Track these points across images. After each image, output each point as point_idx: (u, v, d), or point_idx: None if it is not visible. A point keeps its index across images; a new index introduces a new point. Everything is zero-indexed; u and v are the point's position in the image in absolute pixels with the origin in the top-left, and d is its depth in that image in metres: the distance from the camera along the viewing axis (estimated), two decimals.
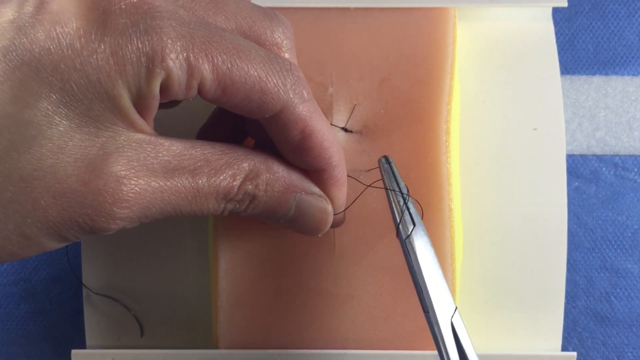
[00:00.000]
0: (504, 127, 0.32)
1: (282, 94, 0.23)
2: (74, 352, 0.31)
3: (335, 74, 0.31)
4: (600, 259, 0.36)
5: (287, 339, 0.30)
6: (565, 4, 0.32)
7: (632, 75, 0.37)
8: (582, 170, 0.36)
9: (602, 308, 0.36)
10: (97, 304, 0.32)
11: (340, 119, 0.31)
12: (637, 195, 0.36)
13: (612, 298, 0.36)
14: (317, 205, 0.26)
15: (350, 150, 0.31)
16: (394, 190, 0.27)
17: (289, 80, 0.23)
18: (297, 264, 0.30)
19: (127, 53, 0.20)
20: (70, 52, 0.20)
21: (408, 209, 0.26)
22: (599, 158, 0.36)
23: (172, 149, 0.22)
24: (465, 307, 0.32)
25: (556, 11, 0.36)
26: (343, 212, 0.28)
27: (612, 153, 0.36)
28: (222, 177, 0.23)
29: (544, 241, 0.32)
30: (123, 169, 0.21)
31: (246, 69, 0.22)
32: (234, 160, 0.23)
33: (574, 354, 0.31)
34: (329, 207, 0.26)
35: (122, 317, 0.32)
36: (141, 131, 0.21)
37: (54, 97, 0.20)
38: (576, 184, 0.36)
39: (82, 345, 0.32)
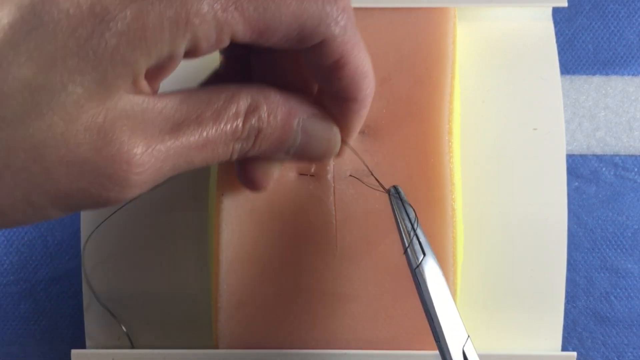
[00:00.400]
0: (504, 127, 0.32)
1: (323, 27, 0.22)
2: (74, 352, 0.31)
3: None
4: (600, 259, 0.36)
5: (287, 339, 0.30)
6: (565, 4, 0.32)
7: (632, 75, 0.37)
8: (582, 170, 0.36)
9: (602, 308, 0.36)
10: (97, 304, 0.32)
11: None
12: (637, 195, 0.36)
13: (612, 298, 0.36)
14: (322, 126, 0.25)
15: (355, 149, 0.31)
16: (404, 220, 0.27)
17: (329, 10, 0.22)
18: (298, 264, 0.30)
19: (151, 18, 0.19)
20: (90, 16, 0.19)
21: (418, 239, 0.26)
22: (599, 158, 0.36)
23: (173, 103, 0.21)
24: (465, 307, 0.32)
25: (556, 11, 0.36)
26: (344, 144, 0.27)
27: (612, 153, 0.36)
28: (225, 118, 0.22)
29: (544, 241, 0.32)
30: (133, 133, 0.20)
31: (281, 10, 0.21)
32: (231, 97, 0.22)
33: (574, 354, 0.31)
34: (335, 127, 0.26)
35: (122, 317, 0.32)
36: (146, 93, 0.21)
37: (70, 62, 0.19)
38: (576, 184, 0.36)
39: (82, 345, 0.32)
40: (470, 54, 0.33)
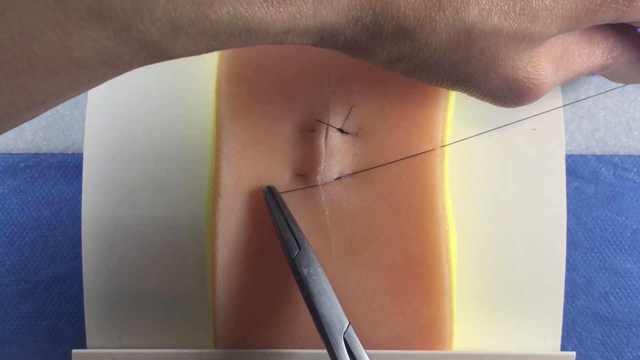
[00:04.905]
0: (503, 127, 0.32)
1: None
2: (74, 352, 0.31)
3: (332, 74, 0.31)
4: (600, 259, 0.36)
5: (286, 339, 0.30)
6: None
7: None
8: (581, 171, 0.36)
9: (602, 308, 0.36)
10: (98, 304, 0.32)
11: (337, 119, 0.31)
12: (637, 195, 0.36)
13: (612, 298, 0.36)
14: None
15: (345, 152, 0.31)
16: (279, 217, 0.29)
17: None
18: None
19: None
20: None
21: (293, 234, 0.28)
22: (599, 158, 0.36)
23: (570, 38, 0.25)
24: (464, 307, 0.32)
25: None
26: None
27: (611, 153, 0.36)
28: (595, 58, 0.26)
29: (544, 241, 0.32)
30: (547, 62, 0.25)
31: None
32: (602, 39, 0.26)
33: (573, 353, 0.31)
34: None
35: (123, 317, 0.32)
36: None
37: None
38: (575, 184, 0.36)
39: (83, 345, 0.32)
40: None
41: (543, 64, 0.24)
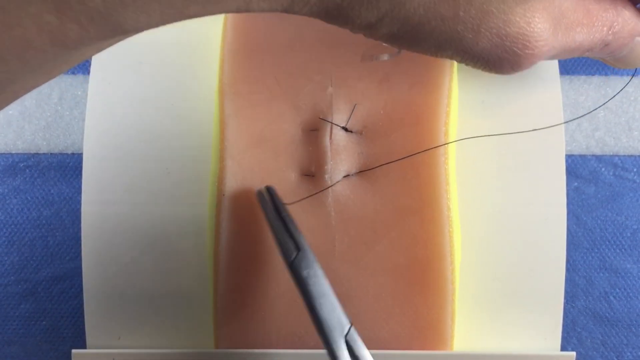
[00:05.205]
0: (503, 127, 0.32)
1: None
2: (74, 352, 0.31)
3: (334, 74, 0.31)
4: (600, 259, 0.36)
5: (287, 339, 0.30)
6: None
7: (631, 75, 0.37)
8: (581, 171, 0.36)
9: (602, 308, 0.36)
10: (98, 304, 0.32)
11: (341, 118, 0.31)
12: (637, 195, 0.36)
13: (612, 298, 0.36)
14: None
15: (350, 150, 0.31)
16: (274, 219, 0.28)
17: None
18: None
19: None
20: None
21: (292, 236, 0.27)
22: (599, 158, 0.36)
23: (572, 4, 0.24)
24: (465, 307, 0.32)
25: None
26: None
27: (611, 153, 0.36)
28: (595, 30, 0.25)
29: (544, 241, 0.32)
30: (542, 20, 0.23)
31: None
32: (601, 11, 0.25)
33: (573, 353, 0.31)
34: None
35: (123, 317, 0.32)
36: None
37: None
38: (575, 184, 0.36)
39: (83, 345, 0.32)
40: None
41: (537, 19, 0.23)
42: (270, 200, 0.29)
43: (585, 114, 0.36)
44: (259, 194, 0.29)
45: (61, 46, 0.18)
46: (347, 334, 0.26)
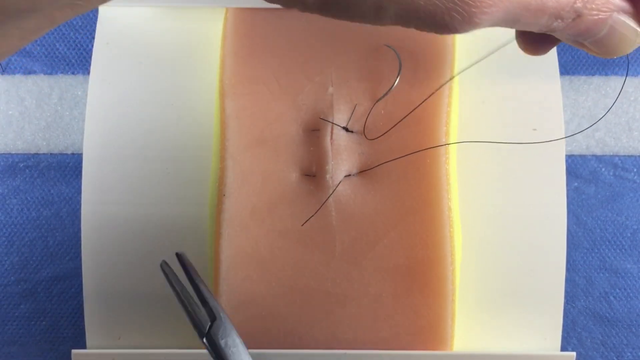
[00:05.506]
0: (504, 127, 0.32)
1: None
2: (74, 352, 0.31)
3: (335, 74, 0.31)
4: (600, 259, 0.36)
5: (287, 339, 0.30)
6: None
7: (632, 75, 0.37)
8: (581, 171, 0.36)
9: (602, 308, 0.36)
10: (98, 304, 0.32)
11: (341, 118, 0.31)
12: (637, 195, 0.36)
13: (612, 298, 0.36)
14: (629, 26, 0.25)
15: (351, 150, 0.31)
16: (181, 292, 0.26)
17: None
18: (298, 265, 0.30)
19: None
20: None
21: (206, 302, 0.25)
22: (599, 158, 0.36)
23: None
24: (465, 307, 0.32)
25: None
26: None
27: (611, 153, 0.36)
28: None
29: (544, 241, 0.32)
30: None
31: None
32: None
33: (573, 353, 0.31)
34: (639, 29, 0.25)
35: (123, 317, 0.32)
36: None
37: None
38: (576, 184, 0.36)
39: (82, 345, 0.32)
40: (471, 54, 0.33)
41: None
42: (173, 272, 0.27)
43: (587, 127, 0.36)
44: (163, 265, 0.27)
45: None
46: None
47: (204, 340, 0.25)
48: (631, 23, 0.25)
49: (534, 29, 0.23)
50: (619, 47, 0.25)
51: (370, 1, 0.20)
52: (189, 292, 0.26)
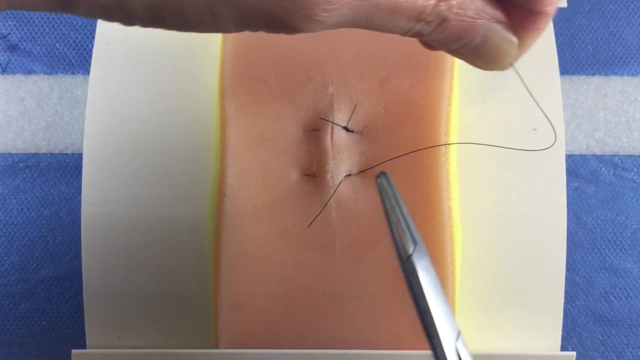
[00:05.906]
0: (504, 127, 0.32)
1: None
2: (74, 352, 0.31)
3: (335, 73, 0.31)
4: (600, 258, 0.36)
5: (287, 339, 0.30)
6: (565, 4, 0.32)
7: (631, 75, 0.37)
8: (581, 171, 0.36)
9: (602, 308, 0.36)
10: (98, 304, 0.32)
11: (341, 118, 0.31)
12: (637, 195, 0.36)
13: (612, 298, 0.36)
14: (504, 36, 0.24)
15: (351, 150, 0.31)
16: (394, 208, 0.25)
17: None
18: (298, 265, 0.30)
19: None
20: None
21: (409, 227, 0.25)
22: (599, 158, 0.36)
23: None
24: (465, 307, 0.32)
25: (555, 11, 0.36)
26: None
27: (611, 153, 0.36)
28: None
29: (544, 241, 0.32)
30: None
31: None
32: None
33: (573, 353, 0.31)
34: (515, 40, 0.25)
35: (123, 317, 0.32)
36: None
37: None
38: (576, 184, 0.36)
39: (82, 345, 0.32)
40: None
41: None
42: (388, 188, 0.26)
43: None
44: (378, 178, 0.26)
45: None
46: (457, 340, 0.24)
47: (404, 262, 0.24)
48: (506, 33, 0.24)
49: (397, 31, 0.23)
50: (496, 58, 0.25)
51: (201, 8, 0.19)
52: (399, 212, 0.25)
